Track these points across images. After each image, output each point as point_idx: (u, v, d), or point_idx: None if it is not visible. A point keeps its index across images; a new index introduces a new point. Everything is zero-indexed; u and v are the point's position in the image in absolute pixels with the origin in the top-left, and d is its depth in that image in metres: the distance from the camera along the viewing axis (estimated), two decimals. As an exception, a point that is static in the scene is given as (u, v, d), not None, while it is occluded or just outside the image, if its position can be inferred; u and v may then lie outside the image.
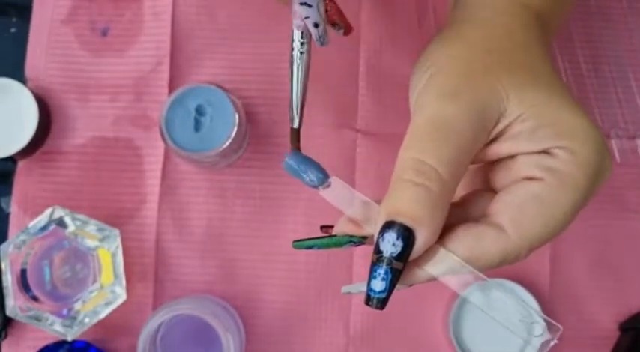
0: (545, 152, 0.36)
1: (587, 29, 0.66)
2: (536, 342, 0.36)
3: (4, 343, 0.62)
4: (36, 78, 0.64)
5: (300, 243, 0.38)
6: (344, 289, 0.39)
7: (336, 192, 0.37)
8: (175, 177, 0.64)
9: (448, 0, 0.49)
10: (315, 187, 0.37)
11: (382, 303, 0.34)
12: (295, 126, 0.39)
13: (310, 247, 0.38)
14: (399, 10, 0.66)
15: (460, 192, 0.39)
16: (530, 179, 0.36)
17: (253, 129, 0.64)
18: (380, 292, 0.34)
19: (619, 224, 0.65)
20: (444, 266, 0.35)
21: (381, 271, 0.34)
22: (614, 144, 0.65)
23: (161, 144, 0.63)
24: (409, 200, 0.34)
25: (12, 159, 0.63)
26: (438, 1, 0.65)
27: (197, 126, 0.59)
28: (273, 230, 0.64)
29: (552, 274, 0.63)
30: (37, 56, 0.65)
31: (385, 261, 0.34)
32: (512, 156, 0.37)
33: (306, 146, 0.65)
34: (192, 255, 0.63)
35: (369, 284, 0.34)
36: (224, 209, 0.64)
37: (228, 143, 0.58)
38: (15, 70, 0.64)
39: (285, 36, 0.66)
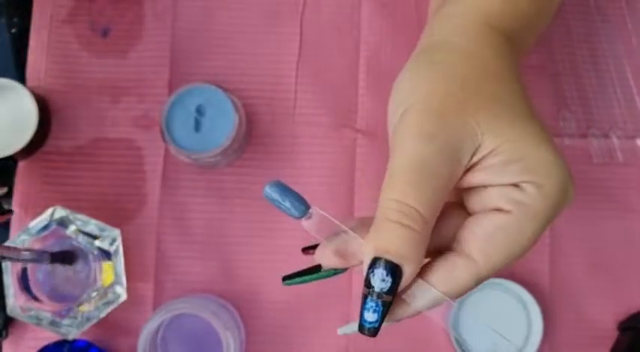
0: (514, 185, 0.38)
1: (587, 29, 0.66)
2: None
3: (5, 342, 0.62)
4: (36, 78, 0.65)
5: (290, 281, 0.40)
6: (340, 331, 0.43)
7: (318, 223, 0.38)
8: (175, 177, 0.64)
9: (430, 6, 0.49)
10: (296, 218, 0.38)
11: (374, 332, 0.38)
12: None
13: (300, 283, 0.41)
14: (399, 10, 0.66)
15: None
16: (499, 210, 0.38)
17: (253, 129, 0.64)
18: (372, 322, 0.38)
19: (619, 224, 0.65)
20: (425, 299, 0.38)
21: (373, 304, 0.37)
22: (613, 143, 0.65)
23: (161, 144, 0.63)
24: (396, 240, 0.36)
25: (12, 159, 0.63)
26: (438, 2, 0.66)
27: (197, 126, 0.59)
28: (273, 230, 0.64)
29: (552, 274, 0.64)
30: (37, 56, 0.65)
31: (376, 295, 0.37)
32: (484, 185, 0.39)
33: (307, 146, 0.65)
34: (192, 255, 0.63)
35: (361, 315, 0.38)
36: (224, 209, 0.64)
37: (228, 143, 0.58)
38: (15, 70, 0.65)
39: (285, 36, 0.66)
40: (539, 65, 0.66)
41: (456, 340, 0.61)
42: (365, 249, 0.37)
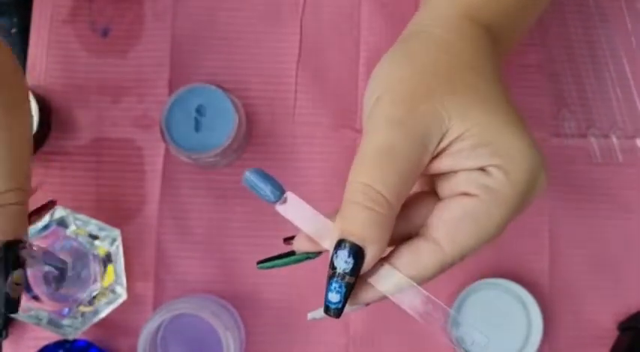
0: (482, 169, 0.38)
1: (586, 29, 0.66)
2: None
3: (5, 342, 0.62)
4: (36, 78, 0.65)
5: (263, 265, 0.42)
6: (309, 315, 0.43)
7: (292, 208, 0.39)
8: (176, 177, 0.64)
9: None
10: (272, 202, 0.39)
11: (338, 313, 0.39)
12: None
13: (273, 267, 0.42)
14: (398, 10, 0.66)
15: None
16: (467, 194, 0.39)
17: (253, 129, 0.65)
18: (336, 303, 0.38)
19: (618, 224, 0.65)
20: (390, 282, 0.39)
21: (336, 285, 0.38)
22: (613, 143, 0.65)
23: (161, 144, 0.63)
24: (359, 222, 0.37)
25: (12, 159, 0.63)
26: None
27: (197, 126, 0.59)
28: (273, 230, 0.64)
29: (552, 274, 0.64)
30: (37, 56, 0.65)
31: (339, 276, 0.38)
32: (453, 171, 0.39)
33: (307, 146, 0.65)
34: (193, 254, 0.63)
35: (326, 296, 0.38)
36: (224, 209, 0.64)
37: (228, 143, 0.58)
38: (15, 70, 0.64)
39: (285, 36, 0.66)
40: (539, 65, 0.66)
41: (456, 340, 0.61)
42: (332, 232, 0.38)
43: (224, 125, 0.59)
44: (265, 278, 0.63)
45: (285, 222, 0.63)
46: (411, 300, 0.39)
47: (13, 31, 0.66)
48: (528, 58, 0.65)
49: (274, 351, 0.63)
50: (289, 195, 0.39)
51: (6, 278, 0.45)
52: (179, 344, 0.60)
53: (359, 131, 0.65)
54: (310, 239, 0.40)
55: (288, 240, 0.42)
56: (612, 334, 0.63)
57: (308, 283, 0.63)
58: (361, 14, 0.66)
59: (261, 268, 0.42)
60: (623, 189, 0.65)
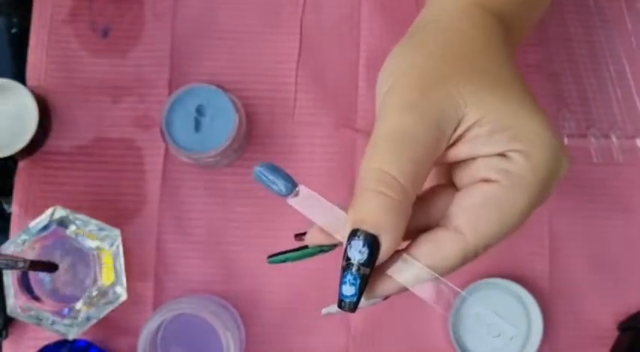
0: (501, 155, 0.37)
1: (586, 29, 0.66)
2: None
3: (5, 342, 0.62)
4: (36, 78, 0.65)
5: (274, 259, 0.40)
6: (324, 311, 0.41)
7: (305, 201, 0.38)
8: (176, 177, 0.64)
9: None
10: (284, 196, 0.38)
11: (353, 307, 0.36)
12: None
13: (284, 261, 0.40)
14: (398, 9, 0.66)
15: (425, 184, 0.41)
16: (487, 181, 0.37)
17: (253, 129, 0.65)
18: (350, 296, 0.36)
19: (618, 224, 0.65)
20: (409, 273, 0.37)
21: (350, 277, 0.36)
22: (613, 143, 0.65)
23: (162, 144, 0.63)
24: (373, 209, 0.35)
25: (13, 159, 0.63)
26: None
27: (197, 126, 0.59)
28: (273, 230, 0.64)
29: (552, 274, 0.64)
30: (37, 56, 0.65)
31: (353, 267, 0.36)
32: (472, 158, 0.38)
33: (307, 146, 0.65)
34: (193, 254, 0.63)
35: (340, 289, 0.36)
36: (224, 209, 0.64)
37: (228, 143, 0.58)
38: (15, 70, 0.65)
39: (285, 36, 0.66)
40: (539, 65, 0.66)
41: (456, 340, 0.61)
42: (345, 222, 0.37)
43: (224, 125, 0.59)
44: (265, 278, 0.63)
45: (286, 221, 0.63)
46: (432, 291, 0.37)
47: (13, 31, 0.66)
48: (528, 58, 0.65)
49: (274, 351, 0.63)
50: (301, 188, 0.38)
51: None
52: (179, 344, 0.60)
53: (359, 131, 0.65)
54: (323, 231, 0.38)
55: (300, 236, 0.41)
56: (612, 334, 0.63)
57: (308, 283, 0.63)
58: (361, 14, 0.66)
59: (272, 263, 0.40)
60: (623, 189, 0.65)
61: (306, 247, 0.40)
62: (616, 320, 0.64)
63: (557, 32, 0.66)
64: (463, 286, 0.62)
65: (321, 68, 0.65)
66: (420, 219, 0.38)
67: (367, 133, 0.64)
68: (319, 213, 0.38)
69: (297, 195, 0.38)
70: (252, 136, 0.64)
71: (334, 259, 0.64)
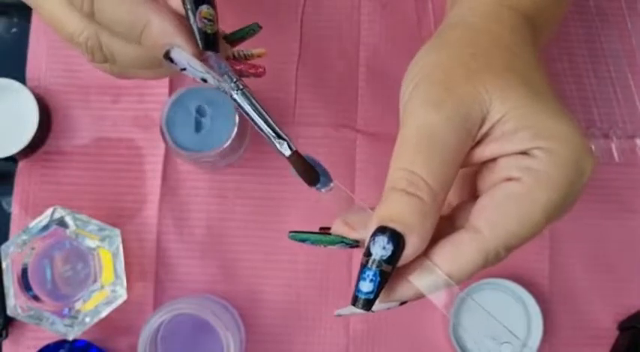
0: (524, 153, 0.37)
1: (586, 29, 0.66)
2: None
3: (5, 342, 0.62)
4: (37, 78, 0.65)
5: (295, 235, 0.39)
6: (337, 312, 0.41)
7: (337, 196, 0.38)
8: (176, 177, 0.64)
9: (446, 0, 0.49)
10: (318, 190, 0.38)
11: (368, 304, 0.36)
12: (287, 154, 0.40)
13: (304, 240, 0.39)
14: (398, 10, 0.66)
15: (450, 199, 0.40)
16: (509, 180, 0.37)
17: (253, 130, 0.64)
18: (367, 293, 0.35)
19: (618, 224, 0.65)
20: (429, 279, 0.36)
21: (370, 273, 0.35)
22: (613, 143, 0.65)
23: (162, 144, 0.63)
24: (401, 208, 0.35)
25: (13, 159, 0.63)
26: (437, 2, 0.66)
27: (197, 126, 0.59)
28: (273, 230, 0.64)
29: (551, 274, 0.64)
30: (37, 56, 0.65)
31: (375, 263, 0.35)
32: (495, 159, 0.38)
33: (307, 146, 0.65)
34: (193, 254, 0.63)
35: (357, 285, 0.35)
36: (224, 209, 0.64)
37: (228, 143, 0.58)
38: (16, 70, 0.64)
39: (285, 36, 0.66)
40: (539, 65, 0.66)
41: (456, 340, 0.61)
42: (371, 219, 0.36)
43: (224, 125, 0.59)
44: (265, 278, 0.63)
45: (287, 221, 0.63)
46: (446, 298, 0.37)
47: (13, 31, 0.66)
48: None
49: (274, 351, 0.63)
50: (336, 184, 0.38)
51: (194, 14, 0.41)
52: (179, 344, 0.60)
53: (359, 131, 0.65)
54: (347, 224, 0.38)
55: (325, 229, 0.40)
56: (612, 334, 0.63)
57: (308, 283, 0.63)
58: (361, 14, 0.66)
59: (292, 238, 0.39)
60: (623, 189, 0.65)
61: (329, 233, 0.39)
62: (616, 320, 0.64)
63: (558, 32, 0.66)
64: (463, 286, 0.61)
65: (321, 68, 0.65)
66: (446, 230, 0.37)
67: (367, 133, 0.64)
68: (348, 210, 0.38)
69: (330, 190, 0.39)
70: (253, 136, 0.64)
71: (334, 259, 0.64)
